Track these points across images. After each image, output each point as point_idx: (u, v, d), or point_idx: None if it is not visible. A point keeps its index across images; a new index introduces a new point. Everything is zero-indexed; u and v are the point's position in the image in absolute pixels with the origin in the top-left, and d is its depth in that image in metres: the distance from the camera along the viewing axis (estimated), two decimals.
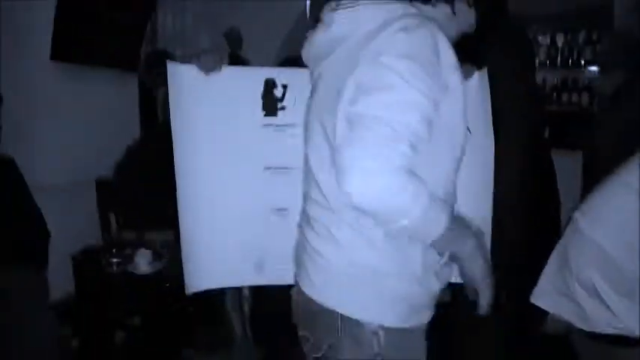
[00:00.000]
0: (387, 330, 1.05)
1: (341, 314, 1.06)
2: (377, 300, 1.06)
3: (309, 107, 1.18)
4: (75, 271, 2.37)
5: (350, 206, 0.97)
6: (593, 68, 4.74)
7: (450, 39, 1.03)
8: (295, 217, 1.32)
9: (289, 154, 1.34)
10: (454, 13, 1.10)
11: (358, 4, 1.06)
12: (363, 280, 1.06)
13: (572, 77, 4.86)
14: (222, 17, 4.98)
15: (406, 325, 1.07)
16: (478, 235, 1.08)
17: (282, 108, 1.37)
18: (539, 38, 4.91)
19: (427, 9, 1.07)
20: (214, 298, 2.22)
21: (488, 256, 1.10)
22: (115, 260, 2.31)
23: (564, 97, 4.82)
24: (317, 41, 1.14)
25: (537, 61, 4.87)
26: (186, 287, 1.40)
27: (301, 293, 1.14)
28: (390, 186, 0.91)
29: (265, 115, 1.37)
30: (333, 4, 1.11)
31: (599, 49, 4.51)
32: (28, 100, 2.46)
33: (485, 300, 1.06)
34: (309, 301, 1.11)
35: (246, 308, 2.22)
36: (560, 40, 4.88)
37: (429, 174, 0.99)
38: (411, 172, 0.93)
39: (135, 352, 2.44)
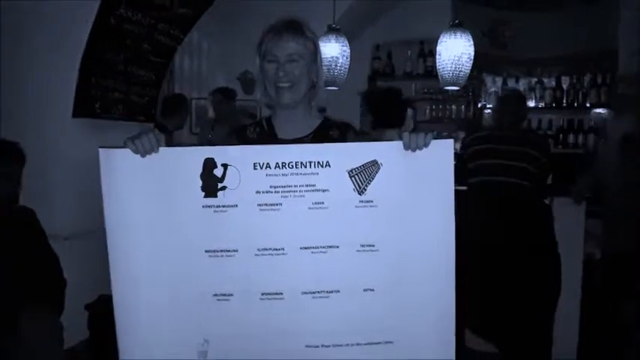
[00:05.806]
0: None
1: None
2: None
3: None
4: (89, 319, 2.44)
5: None
6: (599, 110, 4.80)
7: None
8: (241, 302, 1.33)
9: (231, 236, 1.32)
10: None
11: None
12: None
13: (577, 119, 4.89)
14: (236, 61, 5.14)
15: None
16: None
17: (223, 188, 1.31)
18: (545, 80, 4.97)
19: None
20: None
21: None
22: None
23: (570, 138, 4.85)
24: None
25: (544, 103, 4.96)
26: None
27: None
28: None
29: (205, 197, 1.31)
30: None
31: (612, 92, 4.56)
32: (49, 156, 2.59)
33: None
34: None
35: None
36: (565, 83, 4.92)
37: None
38: None
39: None
